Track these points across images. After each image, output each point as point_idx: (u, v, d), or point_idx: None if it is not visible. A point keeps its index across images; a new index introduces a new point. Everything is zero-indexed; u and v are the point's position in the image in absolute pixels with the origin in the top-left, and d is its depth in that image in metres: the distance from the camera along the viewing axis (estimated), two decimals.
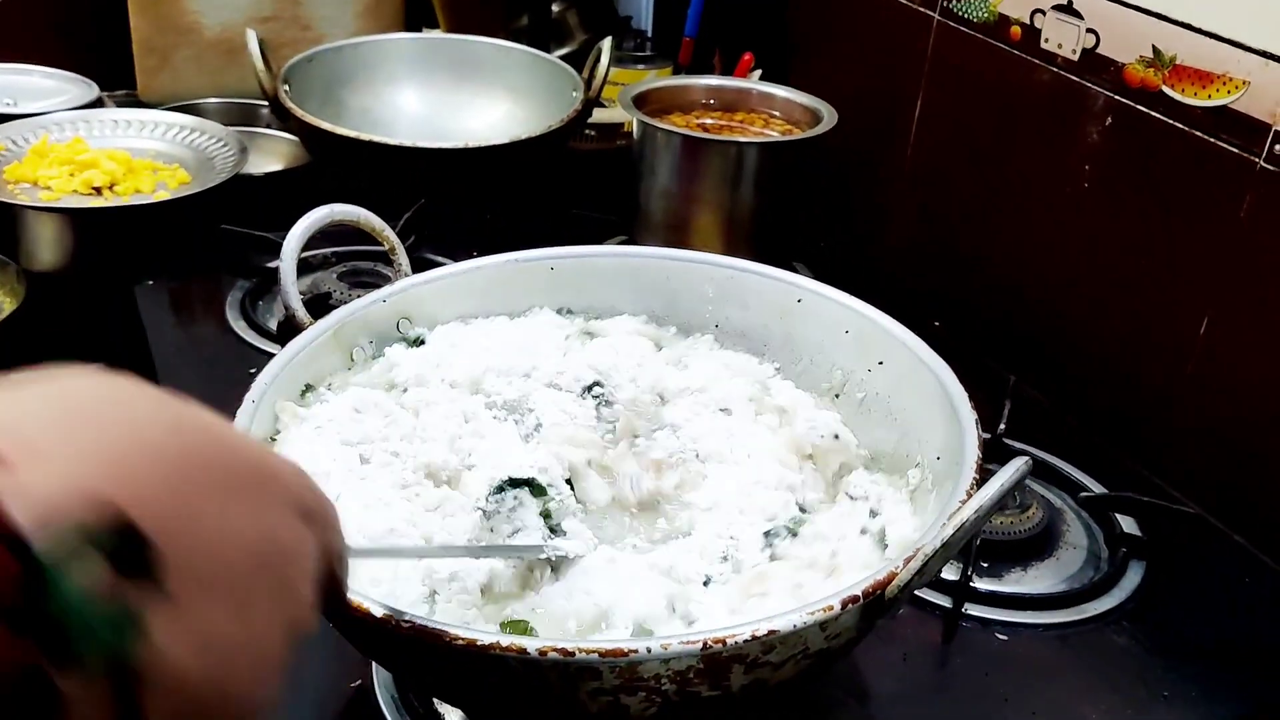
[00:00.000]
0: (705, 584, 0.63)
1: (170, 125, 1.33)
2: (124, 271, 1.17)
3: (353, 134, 1.22)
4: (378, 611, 0.51)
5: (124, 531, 0.30)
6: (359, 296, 0.80)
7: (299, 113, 1.26)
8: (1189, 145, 0.95)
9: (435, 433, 0.70)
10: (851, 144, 1.31)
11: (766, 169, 1.17)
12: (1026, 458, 0.54)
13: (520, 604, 0.60)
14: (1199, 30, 0.93)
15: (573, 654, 0.49)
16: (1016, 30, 1.09)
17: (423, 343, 0.79)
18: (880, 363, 0.75)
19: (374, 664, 0.73)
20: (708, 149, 1.17)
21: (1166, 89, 0.96)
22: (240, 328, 1.09)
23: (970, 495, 0.57)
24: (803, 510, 0.69)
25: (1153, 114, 0.98)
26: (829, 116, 1.20)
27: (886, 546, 0.65)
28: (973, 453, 0.61)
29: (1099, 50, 1.02)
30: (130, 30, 1.50)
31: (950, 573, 0.82)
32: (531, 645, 0.49)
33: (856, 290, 0.80)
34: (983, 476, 0.57)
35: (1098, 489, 0.93)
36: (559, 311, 0.84)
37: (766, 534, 0.67)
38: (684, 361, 0.81)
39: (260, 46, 1.29)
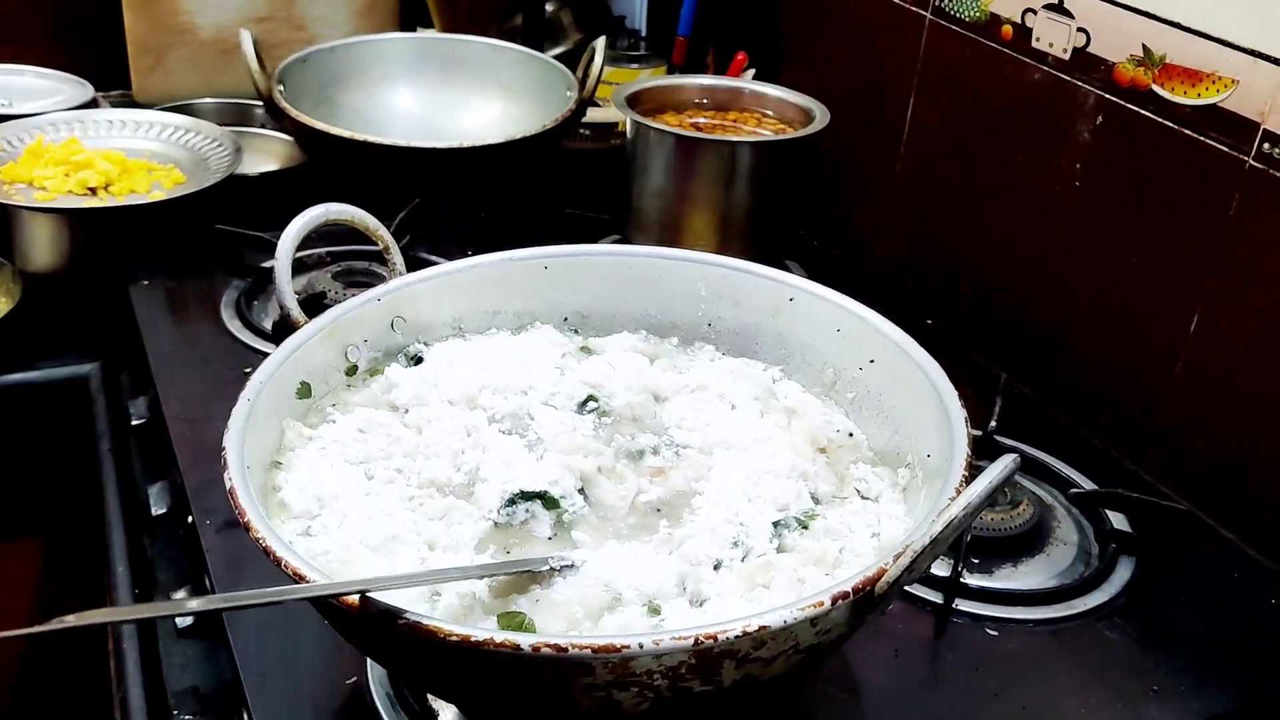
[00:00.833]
0: (715, 568, 0.63)
1: (165, 125, 1.34)
2: (119, 271, 1.17)
3: (347, 134, 1.23)
4: (373, 609, 0.51)
5: None
6: (353, 295, 0.80)
7: (293, 113, 1.27)
8: (1179, 143, 0.96)
9: (439, 449, 0.71)
10: (844, 143, 1.32)
11: (759, 168, 1.18)
12: (1015, 455, 0.55)
13: (525, 597, 0.61)
14: (1188, 29, 0.93)
15: (565, 649, 0.49)
16: (1008, 29, 1.10)
17: (420, 360, 0.79)
18: (871, 361, 0.76)
19: (369, 661, 0.74)
20: (701, 148, 1.18)
21: (1156, 88, 0.97)
22: (235, 327, 1.10)
23: (959, 492, 0.57)
24: (815, 501, 0.69)
25: (1143, 112, 0.98)
26: (821, 115, 1.21)
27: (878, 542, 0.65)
28: (962, 450, 0.62)
29: (1089, 49, 1.02)
30: (125, 31, 1.51)
31: (941, 569, 0.83)
32: (525, 641, 0.49)
33: (849, 289, 0.81)
34: (972, 474, 0.58)
35: (1088, 485, 0.94)
36: (563, 322, 0.85)
37: (776, 524, 0.67)
38: (683, 369, 0.81)
39: (255, 47, 1.29)
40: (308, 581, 0.53)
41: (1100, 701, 0.76)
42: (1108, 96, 1.01)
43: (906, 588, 0.81)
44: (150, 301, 1.14)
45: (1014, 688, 0.76)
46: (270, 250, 0.78)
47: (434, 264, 0.85)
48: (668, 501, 0.69)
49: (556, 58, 1.45)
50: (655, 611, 0.59)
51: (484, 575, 0.60)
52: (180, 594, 0.85)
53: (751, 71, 1.42)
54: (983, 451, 0.97)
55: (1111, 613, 0.83)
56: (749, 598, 0.61)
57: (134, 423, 1.03)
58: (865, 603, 0.53)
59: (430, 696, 0.72)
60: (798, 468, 0.70)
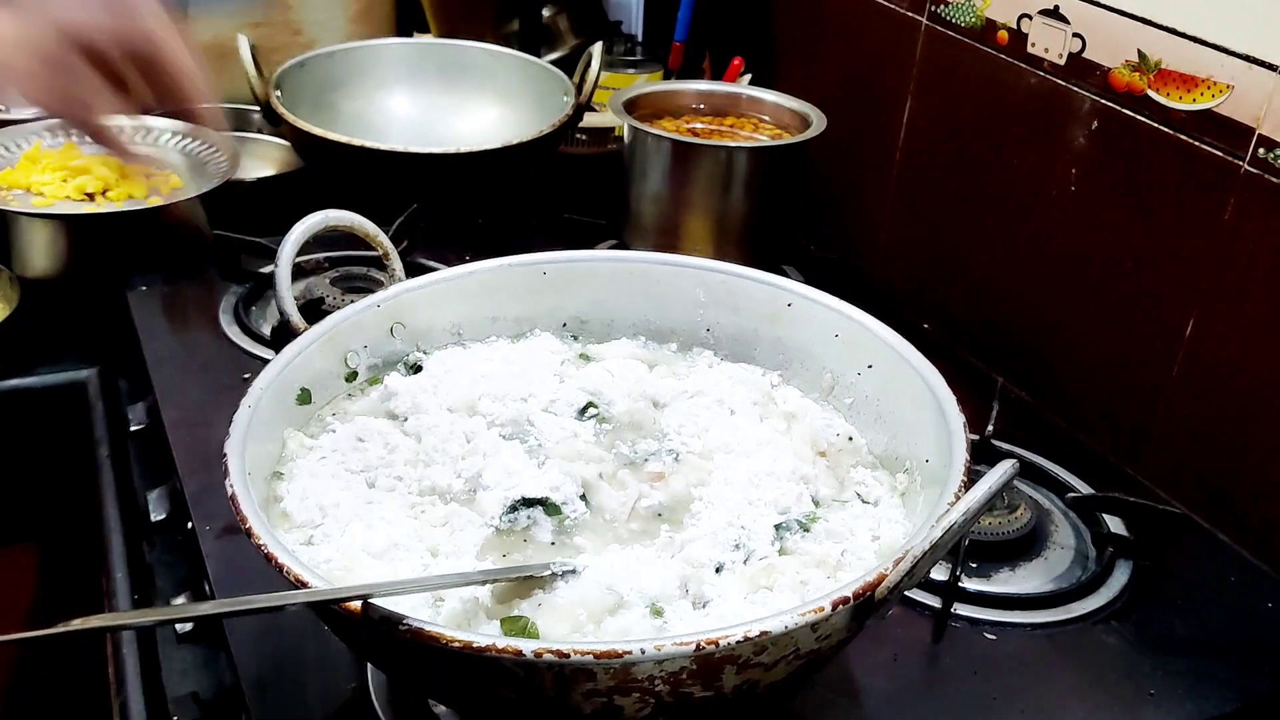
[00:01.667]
0: (718, 570, 0.64)
1: (162, 130, 1.34)
2: (117, 277, 1.17)
3: (345, 139, 1.23)
4: (375, 615, 0.52)
5: None
6: (353, 301, 0.80)
7: (291, 118, 1.27)
8: (1174, 148, 0.96)
9: (439, 456, 0.71)
10: (841, 148, 1.32)
11: (756, 173, 1.18)
12: (1014, 460, 0.55)
13: (528, 601, 0.61)
14: (1184, 35, 0.94)
15: (567, 655, 0.49)
16: (1004, 35, 1.10)
17: (420, 369, 0.79)
18: (869, 366, 0.76)
19: (369, 666, 0.74)
20: (698, 153, 1.18)
21: (1152, 93, 0.97)
22: (234, 333, 1.10)
23: (958, 497, 0.58)
24: (816, 504, 0.70)
25: (1138, 118, 0.99)
26: (818, 121, 1.21)
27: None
28: (961, 455, 0.62)
29: (1085, 54, 1.03)
30: None
31: (939, 573, 0.83)
32: (527, 647, 0.49)
33: (846, 293, 0.81)
34: (971, 479, 0.58)
35: (1085, 489, 0.94)
36: (561, 328, 0.85)
37: (777, 527, 0.67)
38: (681, 374, 0.81)
39: (252, 52, 1.29)
40: (310, 587, 0.53)
41: (1098, 705, 0.76)
42: (1103, 102, 1.02)
43: (906, 592, 0.82)
44: (148, 307, 1.14)
45: (1012, 691, 0.76)
46: (268, 255, 0.79)
47: (433, 270, 0.86)
48: (669, 506, 0.69)
49: (553, 63, 1.45)
50: (658, 614, 0.59)
51: (487, 580, 0.60)
52: (180, 600, 0.85)
53: (748, 77, 1.42)
54: (980, 456, 0.97)
55: (1109, 616, 0.83)
56: (752, 600, 0.61)
57: (133, 429, 1.03)
58: (865, 607, 0.54)
59: (430, 701, 0.72)
60: (798, 471, 0.70)
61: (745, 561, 0.64)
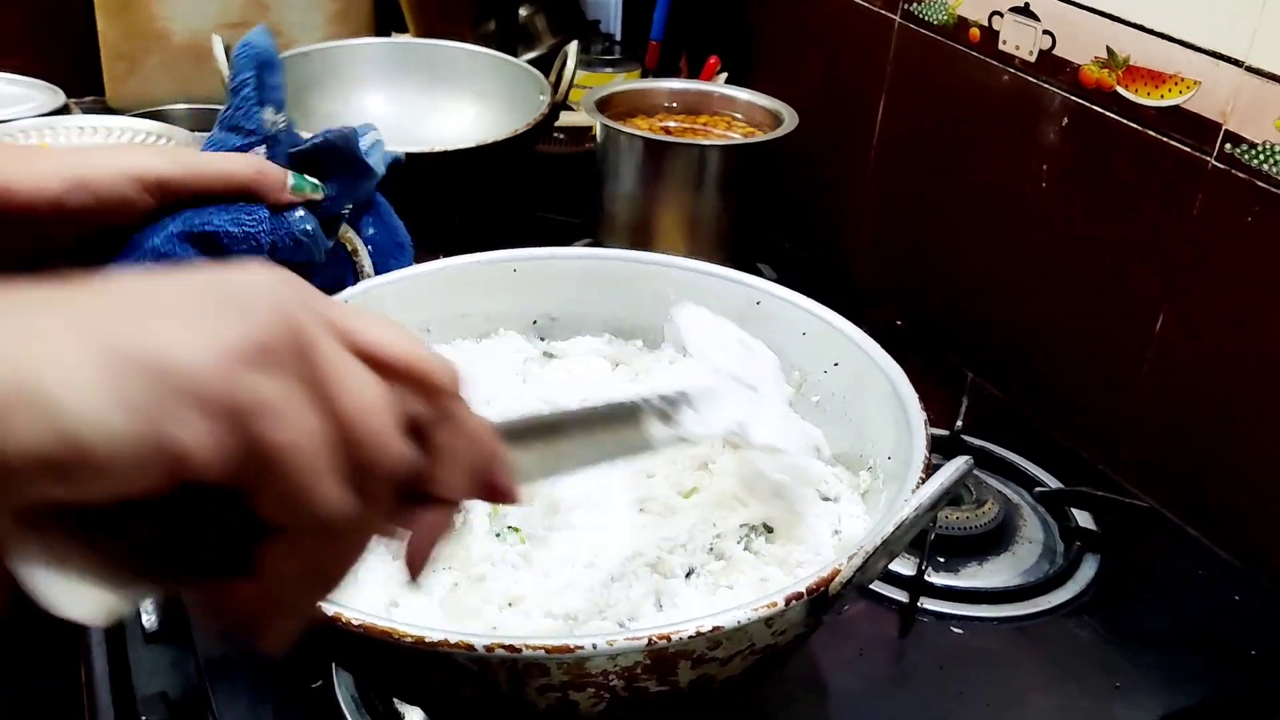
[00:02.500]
0: (688, 575, 0.64)
1: (136, 131, 1.33)
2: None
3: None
4: (328, 610, 0.52)
5: None
6: None
7: None
8: (1143, 144, 0.96)
9: None
10: (816, 146, 1.33)
11: (729, 171, 1.18)
12: (968, 457, 0.55)
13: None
14: (1152, 31, 0.94)
15: (519, 650, 0.49)
16: (975, 32, 1.11)
17: None
18: (835, 364, 0.76)
19: (334, 665, 0.74)
20: (670, 151, 1.18)
21: (1121, 89, 0.98)
22: None
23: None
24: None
25: (1107, 114, 0.99)
26: (790, 118, 1.21)
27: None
28: (920, 452, 0.62)
29: (1055, 51, 1.03)
30: (99, 37, 1.50)
31: (906, 568, 0.83)
32: (478, 641, 0.49)
33: (820, 290, 0.81)
34: (931, 475, 0.58)
35: (1053, 484, 0.95)
36: (531, 325, 0.85)
37: (742, 526, 0.67)
38: (641, 376, 0.81)
39: (226, 52, 1.29)
40: None
41: (1064, 698, 0.76)
42: (1073, 98, 1.02)
43: (871, 586, 0.82)
44: None
45: (978, 685, 0.76)
46: None
47: None
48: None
49: (531, 62, 1.45)
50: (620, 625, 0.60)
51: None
52: (147, 601, 0.85)
53: (724, 76, 1.42)
54: (950, 450, 0.97)
55: (1076, 610, 0.83)
56: (712, 599, 0.62)
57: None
58: (820, 603, 0.54)
59: (395, 700, 0.72)
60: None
61: (720, 560, 0.65)
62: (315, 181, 0.72)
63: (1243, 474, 0.93)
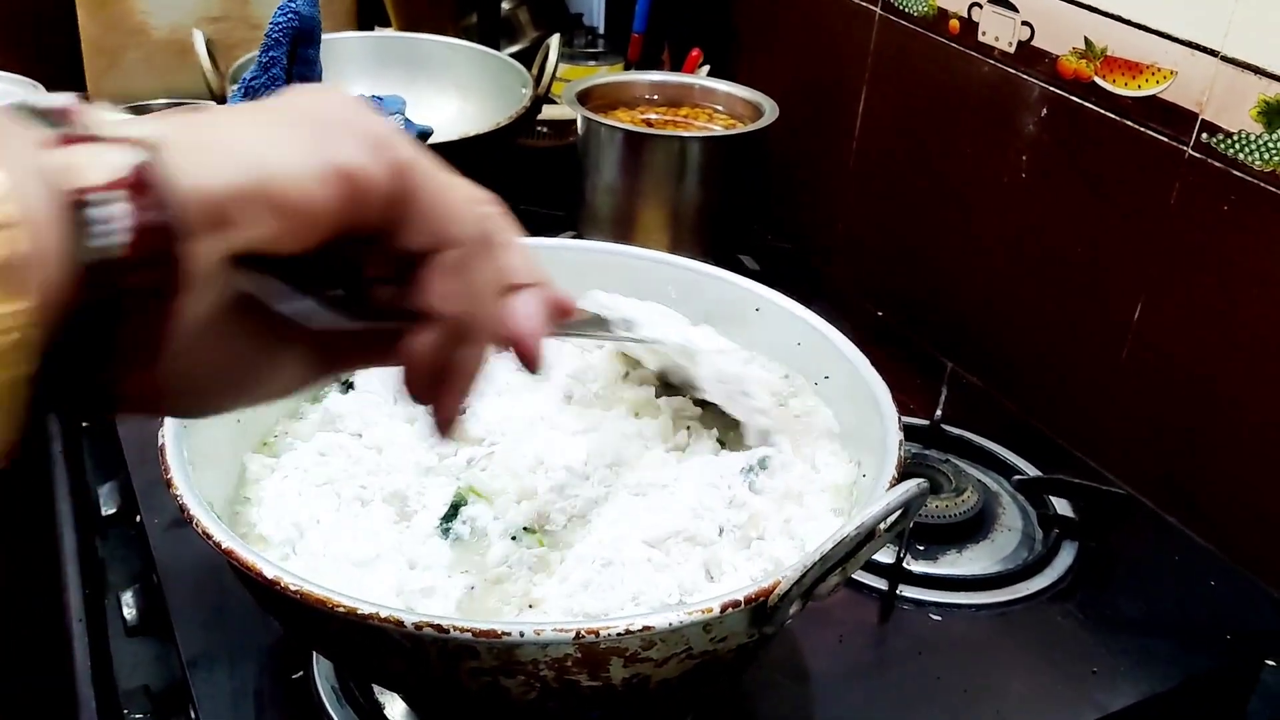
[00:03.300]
0: (720, 534, 0.64)
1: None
2: None
3: None
4: (268, 572, 0.52)
5: None
6: None
7: None
8: (1120, 134, 0.97)
9: (400, 464, 0.70)
10: (798, 137, 1.33)
11: (710, 163, 1.19)
12: (921, 480, 0.54)
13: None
14: (1129, 22, 0.94)
15: (447, 630, 0.49)
16: (955, 24, 1.11)
17: (352, 386, 0.77)
18: (827, 377, 0.75)
19: (315, 656, 0.74)
20: (651, 144, 1.18)
21: (1099, 79, 0.98)
22: None
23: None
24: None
25: (1085, 104, 0.99)
26: (771, 110, 1.22)
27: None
28: (889, 472, 0.61)
29: (1034, 42, 1.03)
30: (79, 32, 1.50)
31: (886, 556, 0.84)
32: (408, 619, 0.49)
33: (802, 282, 0.81)
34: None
35: (1032, 472, 0.95)
36: None
37: (743, 470, 0.68)
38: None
39: (208, 47, 1.29)
40: (219, 543, 0.53)
41: (1042, 683, 0.77)
42: (1052, 89, 1.02)
43: (853, 576, 0.83)
44: None
45: (957, 671, 0.77)
46: None
47: None
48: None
49: (514, 56, 1.45)
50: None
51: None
52: (128, 595, 0.85)
53: (706, 68, 1.43)
54: (930, 440, 0.98)
55: (1054, 597, 0.84)
56: (759, 560, 0.63)
57: (84, 424, 1.03)
58: (760, 613, 0.54)
59: (376, 689, 0.72)
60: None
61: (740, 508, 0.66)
62: None
63: (1219, 461, 0.93)
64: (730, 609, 0.52)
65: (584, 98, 1.23)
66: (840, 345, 0.74)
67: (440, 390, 0.42)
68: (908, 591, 0.83)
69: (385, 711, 0.71)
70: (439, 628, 0.49)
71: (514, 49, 1.51)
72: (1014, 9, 1.05)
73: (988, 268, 1.12)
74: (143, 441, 0.91)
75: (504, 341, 0.43)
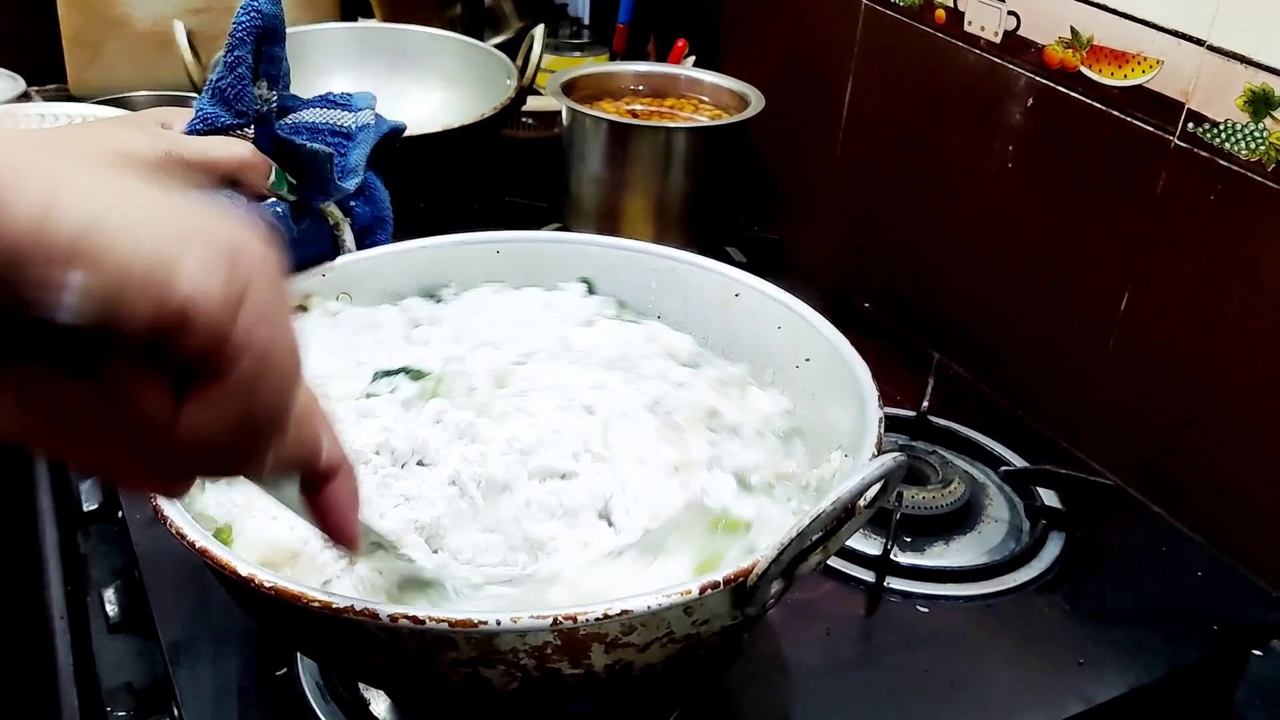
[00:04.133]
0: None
1: (88, 117, 1.32)
2: None
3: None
4: (242, 570, 0.51)
5: None
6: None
7: None
8: (1106, 124, 0.97)
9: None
10: (784, 128, 1.32)
11: (696, 154, 1.18)
12: (898, 454, 0.54)
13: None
14: (1115, 11, 0.94)
15: (423, 622, 0.49)
16: (941, 14, 1.11)
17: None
18: (808, 359, 0.75)
19: (298, 652, 0.74)
20: (636, 134, 1.18)
21: (1085, 69, 0.98)
22: None
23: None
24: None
25: (1072, 94, 0.99)
26: (756, 101, 1.21)
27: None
28: (868, 450, 0.61)
29: (1020, 32, 1.03)
30: (60, 23, 1.49)
31: (872, 547, 0.83)
32: (384, 610, 0.49)
33: (789, 274, 0.81)
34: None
35: (1019, 463, 0.95)
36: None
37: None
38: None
39: (189, 38, 1.28)
40: (193, 543, 0.52)
41: (1028, 674, 0.77)
42: (1038, 79, 1.02)
43: (837, 567, 0.83)
44: None
45: (944, 663, 0.77)
46: None
47: None
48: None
49: (498, 47, 1.44)
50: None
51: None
52: (110, 591, 0.84)
53: (692, 59, 1.42)
54: (917, 431, 0.98)
55: (1041, 588, 0.84)
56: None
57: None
58: (740, 593, 0.53)
59: (361, 685, 0.72)
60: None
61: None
62: (293, 182, 0.72)
63: (1206, 452, 0.93)
64: (710, 589, 0.51)
65: (569, 89, 1.23)
66: (819, 326, 0.74)
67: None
68: (895, 583, 0.82)
69: (370, 707, 0.71)
70: (415, 619, 0.49)
71: (498, 40, 1.50)
72: None
73: (974, 258, 1.12)
74: None
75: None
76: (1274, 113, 0.84)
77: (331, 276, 0.79)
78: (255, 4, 0.70)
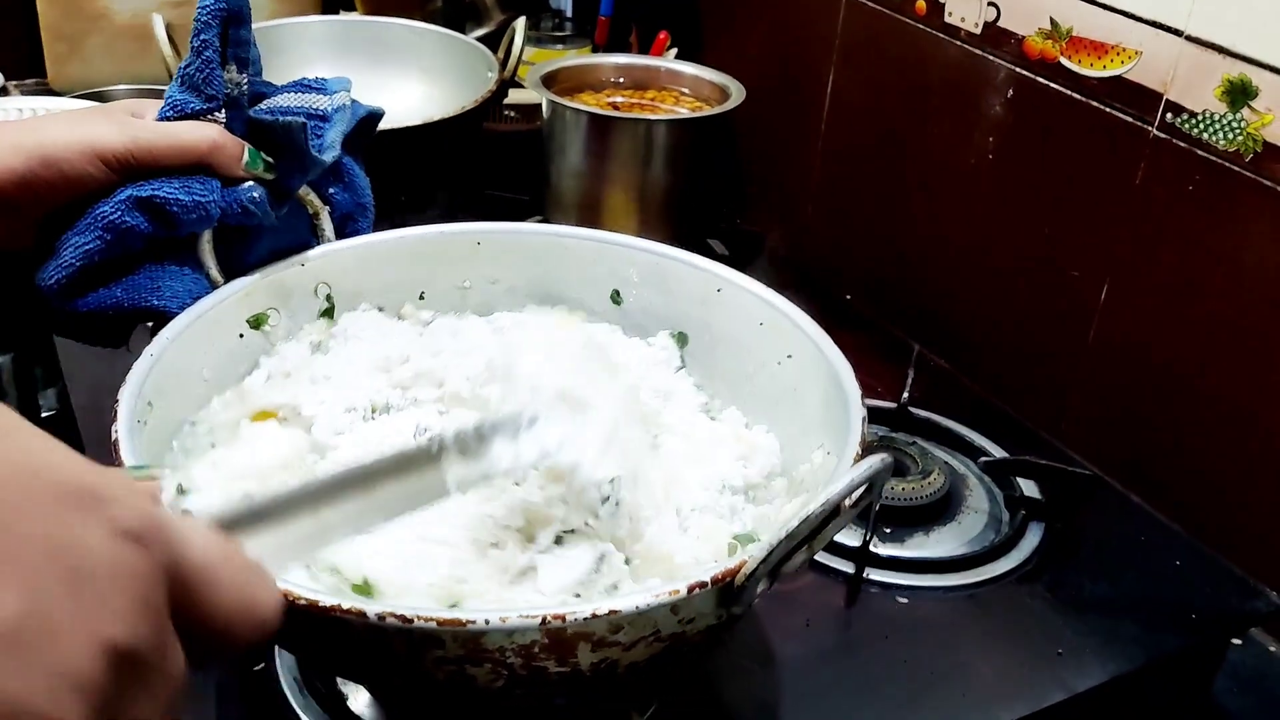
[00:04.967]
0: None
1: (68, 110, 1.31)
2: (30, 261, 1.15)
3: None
4: None
5: None
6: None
7: None
8: (1086, 115, 0.97)
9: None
10: (766, 120, 1.32)
11: (676, 146, 1.18)
12: (885, 456, 0.54)
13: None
14: (1093, 2, 0.94)
15: (411, 620, 0.49)
16: (921, 5, 1.10)
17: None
18: (789, 356, 0.75)
19: (277, 648, 0.73)
20: (616, 127, 1.17)
21: (1064, 60, 0.98)
22: None
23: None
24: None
25: (1051, 85, 0.99)
26: (737, 93, 1.21)
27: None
28: (852, 449, 0.61)
29: (1000, 23, 1.03)
30: (39, 18, 1.48)
31: (852, 539, 0.83)
32: (371, 609, 0.49)
33: (770, 266, 0.81)
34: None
35: (999, 453, 0.95)
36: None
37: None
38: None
39: (169, 32, 1.27)
40: None
41: (1008, 664, 0.77)
42: (1018, 70, 1.02)
43: (817, 558, 0.82)
44: None
45: (924, 653, 0.77)
46: None
47: None
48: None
49: (480, 39, 1.43)
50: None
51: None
52: None
53: (674, 52, 1.42)
54: (898, 423, 0.98)
55: (1021, 578, 0.84)
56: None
57: (44, 414, 1.02)
58: (727, 593, 0.53)
59: (339, 681, 0.72)
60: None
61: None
62: (269, 161, 0.71)
63: (1183, 441, 0.94)
64: (697, 590, 0.51)
65: (549, 81, 1.22)
66: (802, 324, 0.74)
67: None
68: (874, 574, 0.82)
69: (348, 703, 0.70)
70: (403, 618, 0.49)
71: (480, 33, 1.50)
72: None
73: (955, 250, 1.12)
74: (100, 432, 0.89)
75: None
76: (1252, 103, 0.84)
77: (310, 266, 0.78)
78: None
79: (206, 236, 0.73)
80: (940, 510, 0.88)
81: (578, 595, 0.60)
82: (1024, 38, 1.01)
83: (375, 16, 1.48)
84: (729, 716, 0.73)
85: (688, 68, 1.29)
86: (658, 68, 1.30)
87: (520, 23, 1.33)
